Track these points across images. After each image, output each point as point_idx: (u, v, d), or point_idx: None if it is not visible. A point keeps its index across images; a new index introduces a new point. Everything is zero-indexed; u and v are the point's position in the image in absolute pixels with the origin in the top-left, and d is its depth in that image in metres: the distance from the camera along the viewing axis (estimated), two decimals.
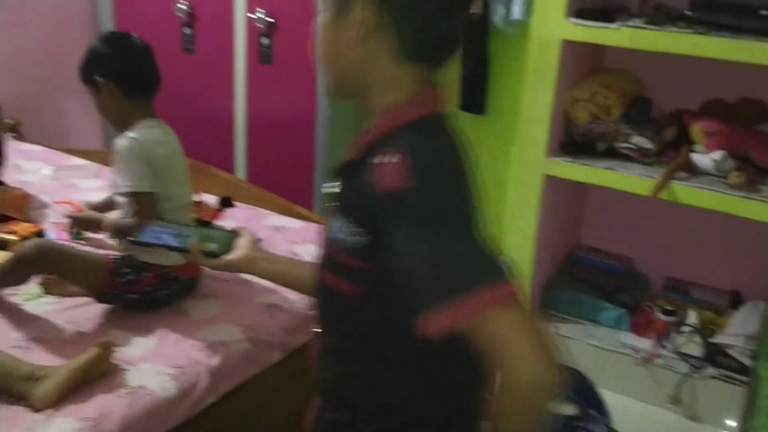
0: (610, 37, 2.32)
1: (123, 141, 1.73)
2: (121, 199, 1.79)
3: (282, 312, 1.86)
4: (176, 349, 1.66)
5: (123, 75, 1.78)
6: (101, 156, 3.07)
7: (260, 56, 3.10)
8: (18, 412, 1.42)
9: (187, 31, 3.26)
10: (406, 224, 0.82)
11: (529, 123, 2.52)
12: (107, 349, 1.54)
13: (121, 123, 1.81)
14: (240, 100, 3.22)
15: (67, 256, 1.77)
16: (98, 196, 2.29)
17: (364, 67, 0.94)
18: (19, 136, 3.22)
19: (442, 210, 0.83)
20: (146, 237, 1.32)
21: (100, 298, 1.79)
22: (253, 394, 1.71)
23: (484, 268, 0.82)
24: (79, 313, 1.79)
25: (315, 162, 3.13)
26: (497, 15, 2.86)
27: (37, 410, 1.41)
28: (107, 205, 2.02)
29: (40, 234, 2.08)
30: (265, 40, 3.06)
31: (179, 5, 3.19)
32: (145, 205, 1.71)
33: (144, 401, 1.48)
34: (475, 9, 2.81)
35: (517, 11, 2.77)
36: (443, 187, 0.85)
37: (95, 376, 1.51)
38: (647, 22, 2.28)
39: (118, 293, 1.76)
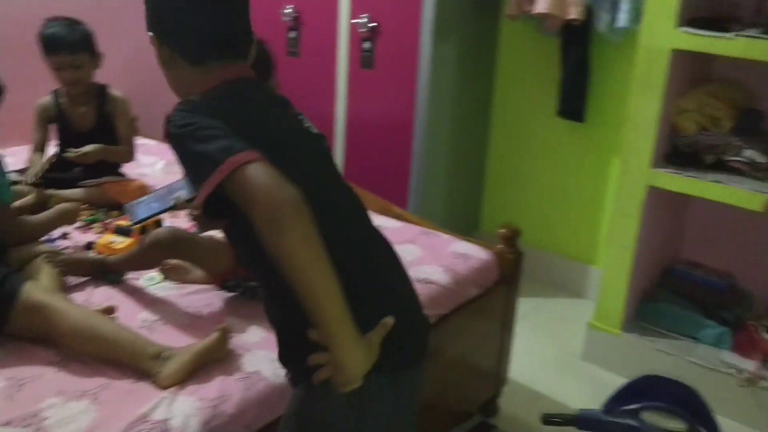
0: (724, 47, 2.26)
1: None
2: None
3: None
4: None
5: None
6: None
7: (362, 60, 3.18)
8: (145, 388, 1.52)
9: (292, 34, 3.38)
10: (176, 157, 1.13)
11: (634, 132, 2.49)
12: (226, 334, 1.63)
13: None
14: (341, 103, 3.31)
15: (197, 242, 1.87)
16: None
17: (179, 80, 1.27)
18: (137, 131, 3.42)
19: (180, 138, 1.11)
20: (140, 214, 1.40)
21: (223, 285, 1.88)
22: None
23: (222, 152, 1.05)
24: (197, 299, 1.90)
25: (411, 164, 3.19)
26: (601, 21, 2.83)
27: (163, 388, 1.51)
28: None
29: (158, 223, 2.21)
30: (367, 45, 3.14)
31: (286, 10, 3.32)
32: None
33: (259, 386, 1.56)
34: (577, 14, 2.79)
35: (623, 18, 2.74)
36: (183, 126, 1.11)
37: (215, 359, 1.60)
38: (763, 32, 2.21)
39: (240, 281, 1.85)
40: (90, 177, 2.51)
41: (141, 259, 1.91)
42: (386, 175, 3.28)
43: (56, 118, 2.57)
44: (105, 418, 1.41)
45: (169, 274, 1.97)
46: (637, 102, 2.47)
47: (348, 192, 1.32)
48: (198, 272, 1.94)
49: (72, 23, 2.44)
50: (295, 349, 1.22)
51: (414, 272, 2.11)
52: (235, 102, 1.20)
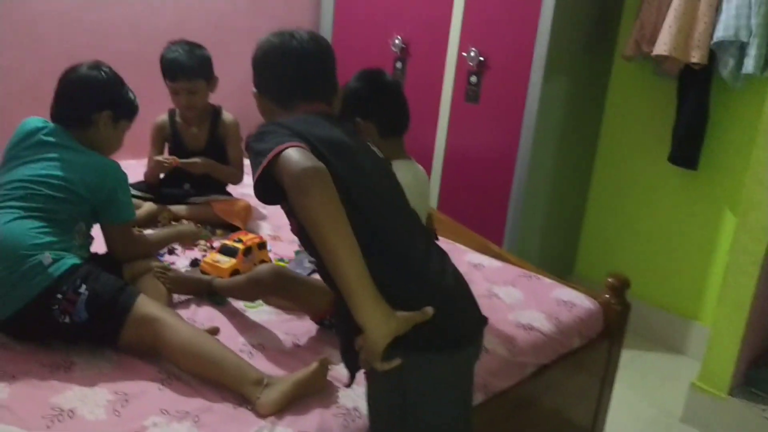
0: None
1: None
2: None
3: (487, 354, 1.85)
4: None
5: (382, 114, 1.81)
6: None
7: (467, 94, 3.15)
8: (244, 414, 1.51)
9: (399, 65, 3.39)
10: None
11: (757, 185, 2.34)
12: (326, 366, 1.61)
13: None
14: (441, 135, 3.28)
15: (297, 282, 1.86)
16: None
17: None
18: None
19: (251, 144, 1.31)
20: None
21: (320, 322, 1.87)
22: None
23: (274, 144, 1.23)
24: (295, 326, 1.89)
25: (509, 201, 3.12)
26: (725, 66, 2.70)
27: (262, 415, 1.49)
28: None
29: (262, 244, 2.23)
30: (473, 78, 3.11)
31: (395, 40, 3.33)
32: None
33: (357, 424, 1.52)
34: (700, 58, 2.67)
35: (750, 65, 2.61)
36: (255, 134, 1.32)
37: (313, 390, 1.58)
38: None
39: (333, 321, 1.82)
40: (198, 194, 2.57)
41: (242, 291, 1.92)
42: (482, 211, 3.22)
43: (170, 137, 2.65)
44: None
45: (270, 299, 1.97)
46: (761, 153, 2.33)
47: (401, 199, 1.49)
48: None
49: (192, 48, 2.52)
50: (350, 340, 1.31)
51: (514, 316, 2.05)
52: (303, 119, 1.41)
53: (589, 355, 2.15)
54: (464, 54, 3.10)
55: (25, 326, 1.66)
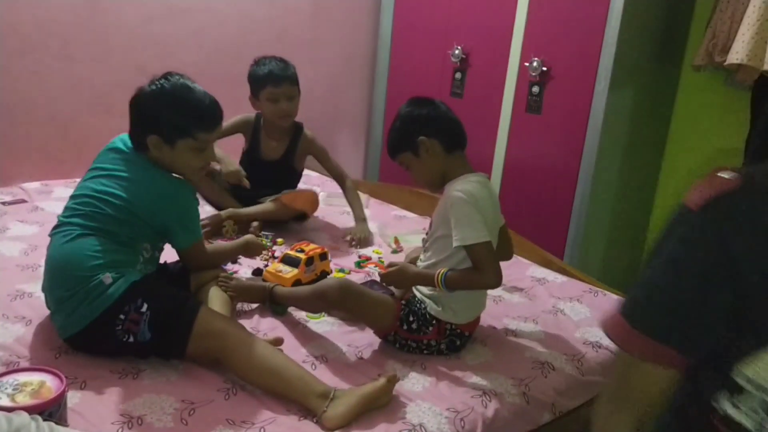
0: None
1: (457, 194, 1.74)
2: (437, 248, 1.82)
3: (554, 372, 1.79)
4: (451, 392, 1.66)
5: (444, 130, 1.81)
6: (368, 187, 3.26)
7: (528, 104, 3.10)
8: (310, 427, 1.50)
9: (458, 75, 3.36)
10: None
11: None
12: (393, 382, 1.59)
13: (443, 181, 1.84)
14: (501, 146, 3.23)
15: (364, 298, 1.81)
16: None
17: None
18: None
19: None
20: None
21: (383, 338, 1.85)
22: None
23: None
24: (357, 338, 1.88)
25: (571, 214, 3.04)
26: None
27: (328, 429, 1.48)
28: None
29: (323, 255, 2.23)
30: (535, 89, 3.06)
31: (455, 51, 3.31)
32: (486, 254, 1.71)
33: None
34: None
35: None
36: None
37: (378, 405, 1.55)
38: None
39: (399, 338, 1.80)
40: (269, 194, 2.62)
41: (306, 303, 1.91)
42: (543, 224, 3.16)
43: (250, 140, 2.72)
44: None
45: (333, 312, 1.97)
46: None
47: None
48: None
49: (282, 60, 2.60)
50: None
51: (581, 334, 1.99)
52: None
53: None
54: (526, 64, 3.05)
55: (89, 344, 1.67)
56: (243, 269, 2.24)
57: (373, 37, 3.77)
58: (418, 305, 1.82)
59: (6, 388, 1.33)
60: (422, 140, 1.79)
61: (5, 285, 1.97)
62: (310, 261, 2.17)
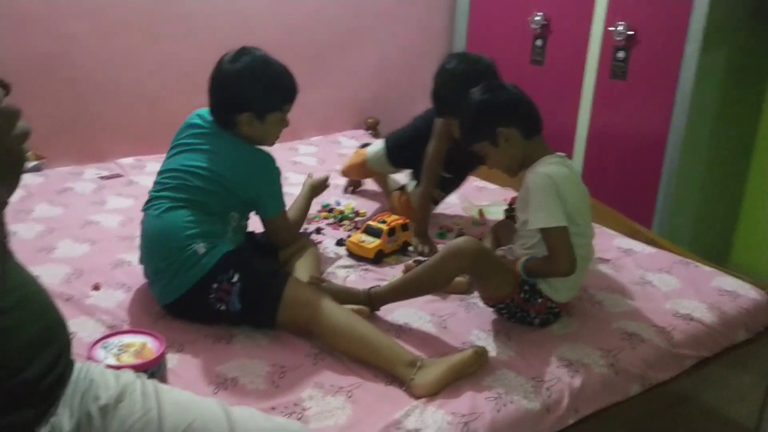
0: None
1: (535, 177, 1.72)
2: (526, 234, 1.78)
3: (643, 343, 1.75)
4: (537, 362, 1.65)
5: (521, 116, 1.77)
6: None
7: (613, 71, 3.00)
8: (396, 393, 1.52)
9: (539, 42, 3.28)
10: None
11: None
12: (482, 355, 1.59)
13: (521, 167, 1.80)
14: (584, 114, 3.15)
15: (496, 261, 1.77)
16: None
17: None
18: (376, 134, 3.54)
19: None
20: None
21: (494, 305, 1.82)
22: (611, 424, 1.63)
23: None
24: (442, 307, 1.88)
25: (659, 184, 2.94)
26: None
27: (416, 397, 1.50)
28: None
29: (405, 226, 2.24)
30: (620, 54, 2.95)
31: (535, 17, 3.22)
32: (559, 239, 1.68)
33: (509, 409, 1.49)
34: None
35: None
36: None
37: (466, 375, 1.56)
38: None
39: (512, 305, 1.77)
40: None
41: (429, 274, 1.76)
42: (629, 193, 3.06)
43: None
44: (360, 418, 1.43)
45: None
46: None
47: None
48: (459, 282, 1.91)
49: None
50: None
51: (672, 305, 1.93)
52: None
53: (755, 350, 1.99)
54: (611, 29, 2.94)
55: (185, 311, 1.75)
56: (326, 240, 2.28)
57: (451, 6, 3.71)
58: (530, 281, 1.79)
59: (111, 349, 1.41)
60: (500, 131, 1.75)
61: (106, 255, 2.09)
62: (392, 232, 2.18)
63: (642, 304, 1.95)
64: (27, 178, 2.53)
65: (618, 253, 2.28)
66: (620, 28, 2.90)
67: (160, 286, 1.76)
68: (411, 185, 2.48)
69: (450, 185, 2.52)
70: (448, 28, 3.75)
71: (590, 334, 1.77)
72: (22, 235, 2.19)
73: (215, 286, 1.69)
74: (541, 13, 3.22)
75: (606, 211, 2.60)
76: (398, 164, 2.58)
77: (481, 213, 2.57)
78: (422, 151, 2.34)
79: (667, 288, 2.05)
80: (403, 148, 2.54)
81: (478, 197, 2.77)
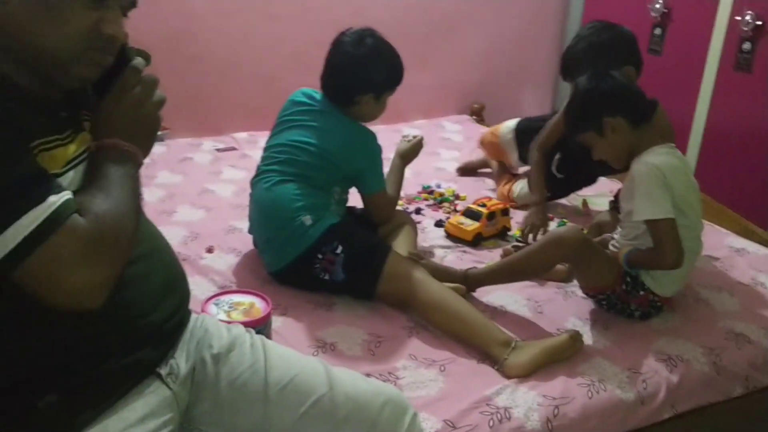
0: None
1: (641, 167, 1.68)
2: (630, 225, 1.74)
3: (749, 344, 1.69)
4: (634, 353, 1.62)
5: (629, 105, 1.71)
6: None
7: (737, 62, 2.85)
8: (488, 371, 1.55)
9: (657, 31, 3.16)
10: None
11: None
12: (577, 340, 1.59)
13: (629, 157, 1.76)
14: (702, 107, 3.01)
15: (599, 250, 1.75)
16: None
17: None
18: (480, 120, 3.54)
19: None
20: None
21: (593, 295, 1.80)
22: (708, 423, 1.58)
23: None
24: (539, 293, 1.88)
25: None
26: None
27: (509, 376, 1.52)
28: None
29: (505, 210, 2.24)
30: (746, 45, 2.80)
31: (655, 5, 3.11)
32: (666, 231, 1.63)
33: (603, 397, 1.48)
34: None
35: None
36: None
37: (560, 359, 1.56)
38: None
39: (612, 297, 1.75)
40: None
41: (529, 261, 1.77)
42: (745, 191, 2.91)
43: None
44: (451, 391, 1.47)
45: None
46: None
47: None
48: (558, 269, 1.91)
49: None
50: None
51: None
52: None
53: None
54: (738, 18, 2.79)
55: (291, 278, 1.84)
56: (426, 220, 2.32)
57: None
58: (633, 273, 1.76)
59: (223, 306, 1.51)
60: (607, 120, 1.71)
61: (220, 221, 2.22)
62: (491, 215, 2.19)
63: (752, 305, 1.88)
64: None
65: (729, 251, 2.19)
66: (748, 17, 2.75)
67: (270, 254, 1.86)
68: (519, 186, 2.47)
69: (558, 188, 2.45)
70: (562, 12, 3.68)
71: (693, 331, 1.72)
72: (146, 198, 2.30)
73: (320, 256, 1.77)
74: (662, 1, 3.10)
75: (719, 208, 2.50)
76: (522, 147, 2.55)
77: (585, 203, 2.53)
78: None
79: None
80: (533, 132, 2.45)
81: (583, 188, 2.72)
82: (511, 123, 2.63)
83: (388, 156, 2.10)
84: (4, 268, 0.85)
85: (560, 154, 2.36)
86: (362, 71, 1.87)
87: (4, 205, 0.85)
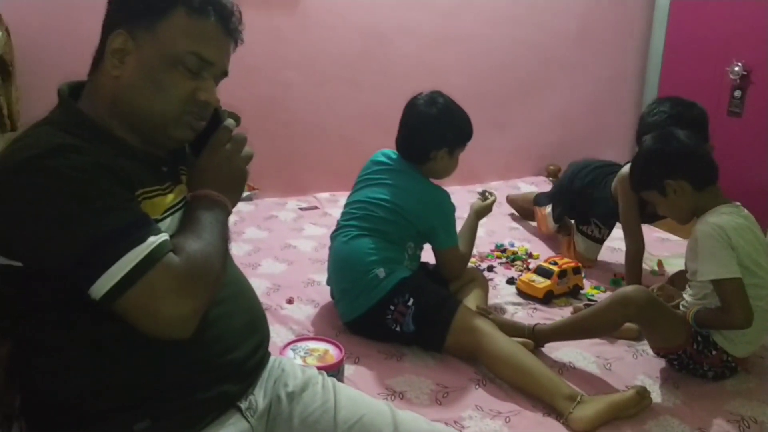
0: None
1: (704, 227, 1.69)
2: (697, 284, 1.75)
3: None
4: (704, 413, 1.60)
5: (693, 170, 1.74)
6: None
7: None
8: (554, 425, 1.56)
9: (737, 93, 3.15)
10: None
11: None
12: (645, 397, 1.59)
13: (692, 215, 1.78)
14: None
15: (667, 310, 1.74)
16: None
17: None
18: (556, 181, 3.57)
19: None
20: None
21: (664, 355, 1.80)
22: None
23: None
24: (607, 350, 1.89)
25: None
26: None
27: (572, 430, 1.53)
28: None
29: (577, 269, 2.27)
30: None
31: (735, 68, 3.11)
32: (732, 291, 1.63)
33: None
34: None
35: None
36: None
37: (626, 416, 1.57)
38: None
39: (684, 357, 1.75)
40: None
41: (594, 319, 1.79)
42: None
43: None
44: None
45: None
46: None
47: None
48: (628, 327, 1.92)
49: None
50: None
51: None
52: None
53: None
54: None
55: (365, 328, 1.93)
56: (498, 277, 2.38)
57: (643, 55, 3.69)
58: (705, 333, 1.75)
59: (299, 351, 1.61)
60: (669, 183, 1.74)
61: (300, 274, 2.35)
62: (563, 273, 2.22)
63: None
64: (241, 206, 2.90)
65: None
66: None
67: (344, 305, 1.96)
68: (580, 246, 2.52)
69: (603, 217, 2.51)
70: (639, 76, 3.72)
71: None
72: (234, 252, 2.47)
73: (392, 307, 1.86)
74: (741, 63, 3.10)
75: None
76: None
77: (660, 263, 2.51)
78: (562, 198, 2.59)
79: None
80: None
81: (659, 249, 2.71)
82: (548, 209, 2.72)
83: (462, 216, 2.19)
84: (109, 299, 0.99)
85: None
86: (437, 126, 1.99)
87: (114, 245, 0.99)
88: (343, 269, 1.98)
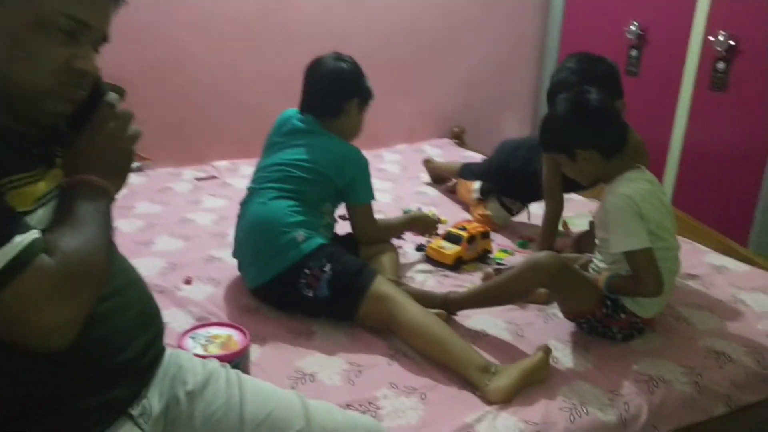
0: None
1: (614, 199, 1.67)
2: (607, 252, 1.73)
3: (731, 363, 1.69)
4: (615, 375, 1.62)
5: (605, 141, 1.71)
6: None
7: (712, 82, 2.89)
8: (469, 397, 1.53)
9: (634, 53, 3.21)
10: None
11: None
12: (548, 354, 1.59)
13: (597, 180, 1.78)
14: (679, 127, 3.05)
15: (578, 275, 1.74)
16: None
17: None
18: (462, 143, 3.56)
19: None
20: None
21: (574, 319, 1.80)
22: None
23: None
24: (519, 316, 1.88)
25: (758, 200, 2.81)
26: None
27: (490, 402, 1.50)
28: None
29: (485, 234, 2.25)
30: (720, 65, 2.84)
31: (631, 27, 3.16)
32: (644, 261, 1.64)
33: (584, 420, 1.47)
34: None
35: None
36: None
37: (538, 379, 1.56)
38: None
39: (593, 320, 1.75)
40: None
41: (506, 286, 1.78)
42: (724, 209, 2.94)
43: None
44: (432, 419, 1.45)
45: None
46: None
47: None
48: (539, 292, 1.90)
49: None
50: None
51: (764, 325, 1.86)
52: None
53: None
54: (711, 38, 2.84)
55: (274, 294, 1.85)
56: (407, 245, 2.32)
57: (544, 15, 3.69)
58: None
59: (200, 339, 1.49)
60: (579, 152, 1.71)
61: (199, 250, 2.21)
62: (472, 239, 2.20)
63: (732, 323, 1.88)
64: (131, 178, 2.70)
65: (708, 269, 2.20)
66: (721, 37, 2.80)
67: (256, 268, 1.87)
68: (491, 207, 2.51)
69: (530, 197, 2.52)
70: (540, 37, 3.73)
71: (674, 351, 1.72)
72: (124, 229, 2.35)
73: (307, 271, 1.79)
74: (637, 23, 3.15)
75: (698, 227, 2.51)
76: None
77: (565, 224, 2.53)
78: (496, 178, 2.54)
79: (760, 308, 1.96)
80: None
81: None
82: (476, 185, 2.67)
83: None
84: None
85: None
86: (349, 77, 2.01)
87: None
88: (259, 231, 1.88)
